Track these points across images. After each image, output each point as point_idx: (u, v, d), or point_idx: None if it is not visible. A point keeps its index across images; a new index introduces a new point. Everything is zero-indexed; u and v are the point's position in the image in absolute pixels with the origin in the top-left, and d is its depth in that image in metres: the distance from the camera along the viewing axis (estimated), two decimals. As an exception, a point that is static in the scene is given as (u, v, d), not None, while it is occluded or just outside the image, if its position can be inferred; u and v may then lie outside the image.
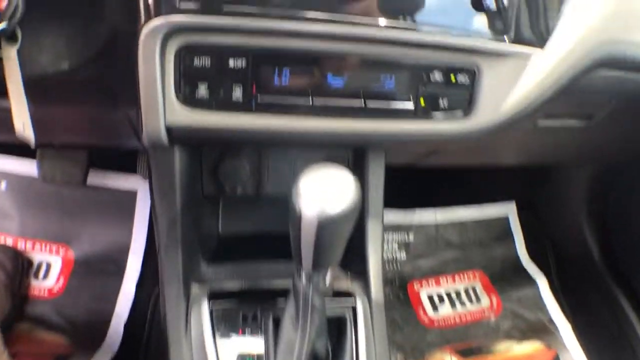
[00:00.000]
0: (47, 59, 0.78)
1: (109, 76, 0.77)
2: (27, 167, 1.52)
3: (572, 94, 0.93)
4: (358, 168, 0.96)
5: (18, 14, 0.67)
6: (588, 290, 1.67)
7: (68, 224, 1.53)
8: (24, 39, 0.71)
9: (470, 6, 0.73)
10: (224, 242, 1.08)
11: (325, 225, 0.62)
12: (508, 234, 1.80)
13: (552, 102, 0.91)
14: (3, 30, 0.66)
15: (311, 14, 0.68)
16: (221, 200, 1.08)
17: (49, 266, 1.51)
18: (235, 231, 1.09)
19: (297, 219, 0.63)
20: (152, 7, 0.66)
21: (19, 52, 0.72)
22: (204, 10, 0.66)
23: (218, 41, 0.71)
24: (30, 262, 1.51)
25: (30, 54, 0.73)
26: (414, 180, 1.63)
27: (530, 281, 1.71)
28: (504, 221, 1.80)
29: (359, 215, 0.66)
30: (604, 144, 1.33)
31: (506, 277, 1.72)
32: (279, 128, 0.76)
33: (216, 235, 1.09)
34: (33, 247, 1.52)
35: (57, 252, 1.53)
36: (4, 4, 0.67)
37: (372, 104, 0.77)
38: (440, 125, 0.81)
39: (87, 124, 0.95)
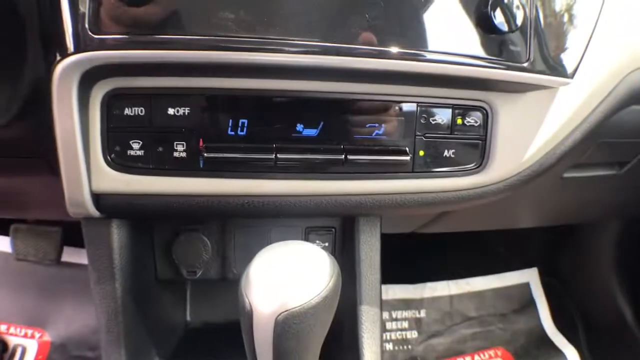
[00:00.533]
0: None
1: (38, 136, 0.61)
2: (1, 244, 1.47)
3: (603, 136, 0.77)
4: (348, 239, 0.77)
5: None
6: (623, 360, 1.46)
7: (44, 305, 1.48)
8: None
9: (477, 28, 0.56)
10: (191, 334, 0.88)
11: (287, 325, 0.43)
12: (531, 303, 1.61)
13: (581, 147, 0.74)
14: None
15: (275, 41, 0.51)
16: (188, 285, 0.89)
17: (24, 350, 1.47)
18: (203, 321, 0.89)
19: (248, 316, 0.45)
20: (65, 40, 0.50)
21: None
22: (130, 42, 0.50)
23: (153, 84, 0.55)
24: (5, 346, 1.46)
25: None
26: (421, 247, 1.45)
27: (559, 354, 1.53)
28: (526, 289, 1.61)
29: (351, 301, 0.47)
30: (636, 194, 1.15)
31: (532, 352, 1.53)
32: (235, 193, 0.58)
33: (180, 326, 0.89)
34: (8, 330, 1.47)
35: (33, 336, 1.48)
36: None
37: (356, 158, 0.59)
38: (446, 182, 0.64)
39: (47, 195, 0.78)
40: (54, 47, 0.51)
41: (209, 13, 0.49)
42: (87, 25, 0.49)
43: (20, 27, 0.55)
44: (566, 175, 0.89)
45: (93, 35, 0.49)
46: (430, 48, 0.54)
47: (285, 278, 0.44)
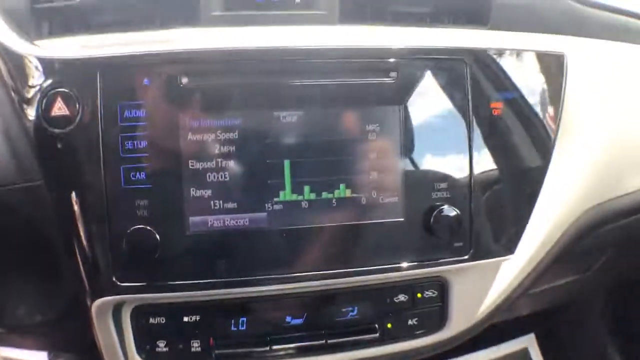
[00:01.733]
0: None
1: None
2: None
3: (560, 264, 0.90)
4: None
5: None
6: None
7: None
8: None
9: (423, 230, 0.71)
10: None
11: None
12: (533, 369, 1.67)
13: (538, 281, 0.87)
14: None
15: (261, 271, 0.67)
16: None
17: None
18: None
19: None
20: (95, 289, 0.66)
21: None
22: (147, 288, 0.66)
23: (170, 300, 0.70)
24: None
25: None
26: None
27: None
28: (525, 356, 1.67)
29: None
30: (609, 281, 1.26)
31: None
32: None
33: None
34: None
35: None
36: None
37: (335, 339, 0.74)
38: (410, 343, 0.78)
39: None
40: (88, 289, 0.67)
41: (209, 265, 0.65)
42: (114, 278, 0.65)
43: (56, 265, 0.71)
44: (531, 291, 1.01)
45: (119, 284, 0.65)
46: (383, 262, 0.69)
47: None
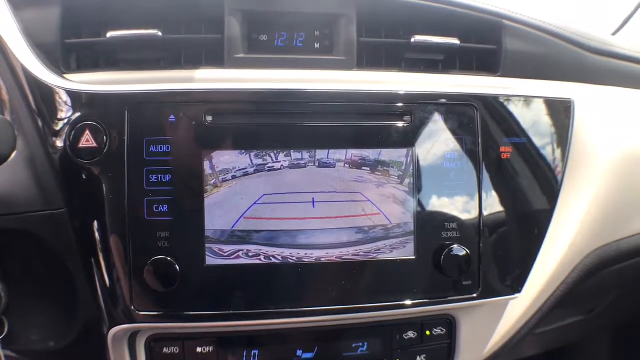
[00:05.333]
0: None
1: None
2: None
3: (565, 305, 0.91)
4: None
5: (2, 304, 0.70)
6: None
7: None
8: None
9: (434, 269, 0.72)
10: None
11: None
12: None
13: (543, 320, 0.88)
14: None
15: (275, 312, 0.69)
16: None
17: None
18: None
19: None
20: (113, 317, 0.68)
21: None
22: (165, 317, 0.67)
23: (185, 330, 0.72)
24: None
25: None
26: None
27: None
28: None
29: None
30: (615, 322, 1.26)
31: None
32: None
33: None
34: None
35: None
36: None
37: (344, 377, 0.75)
38: (419, 379, 0.79)
39: None
40: (106, 316, 0.68)
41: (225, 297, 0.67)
42: (132, 306, 0.67)
43: (72, 291, 0.72)
44: (537, 331, 1.02)
45: (138, 312, 0.67)
46: (394, 299, 0.71)
47: None
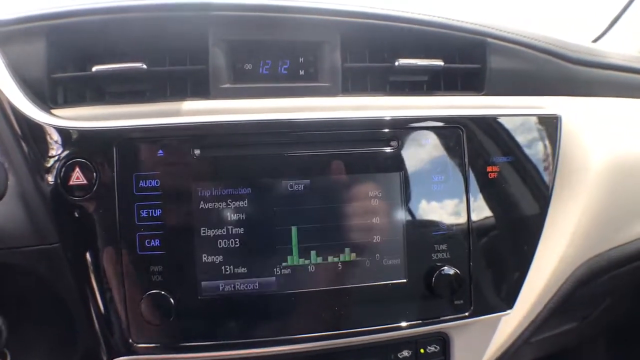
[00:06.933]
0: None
1: None
2: None
3: (559, 314, 0.92)
4: None
5: (3, 338, 0.71)
6: None
7: None
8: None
9: (425, 290, 0.73)
10: None
11: None
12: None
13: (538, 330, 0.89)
14: None
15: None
16: None
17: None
18: None
19: None
20: (111, 349, 0.69)
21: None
22: (162, 349, 0.68)
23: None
24: None
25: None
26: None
27: None
28: None
29: None
30: (607, 326, 1.27)
31: None
32: None
33: None
34: None
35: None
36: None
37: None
38: (415, 395, 0.80)
39: None
40: (105, 349, 0.69)
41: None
42: (130, 340, 0.67)
43: (70, 324, 0.72)
44: (532, 340, 1.03)
45: (135, 344, 0.68)
46: (388, 321, 0.73)
47: None
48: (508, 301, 0.78)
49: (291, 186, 0.70)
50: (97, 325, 0.69)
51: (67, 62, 0.75)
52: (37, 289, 0.73)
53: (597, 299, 1.08)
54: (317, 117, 0.71)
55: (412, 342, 0.78)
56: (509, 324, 0.83)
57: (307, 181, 0.70)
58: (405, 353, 0.78)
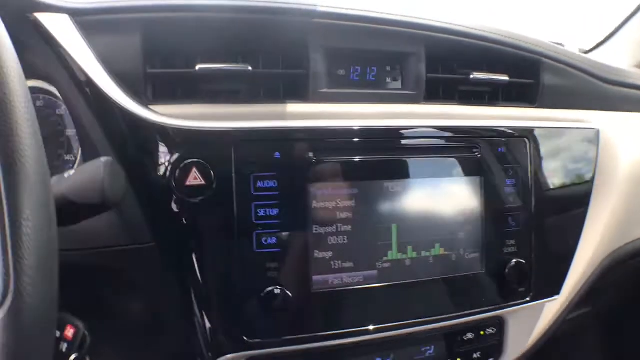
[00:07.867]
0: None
1: None
2: None
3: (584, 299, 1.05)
4: None
5: (87, 344, 0.71)
6: None
7: None
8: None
9: (499, 279, 0.84)
10: None
11: None
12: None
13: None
14: None
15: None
16: None
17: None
18: None
19: None
20: (222, 347, 0.71)
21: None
22: (275, 343, 0.72)
23: (288, 352, 0.74)
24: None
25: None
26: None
27: None
28: None
29: None
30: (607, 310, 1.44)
31: None
32: None
33: None
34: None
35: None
36: (71, 333, 0.71)
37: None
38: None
39: None
40: (211, 346, 0.71)
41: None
42: (244, 337, 0.71)
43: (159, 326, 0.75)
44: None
45: (248, 340, 0.71)
46: (468, 308, 0.83)
47: None
48: (557, 287, 0.91)
49: (392, 187, 0.76)
50: (207, 324, 0.70)
51: (161, 58, 0.74)
52: (122, 293, 0.74)
53: (616, 286, 1.24)
54: (418, 124, 0.79)
55: (475, 326, 0.88)
56: (551, 308, 0.95)
57: (405, 183, 0.77)
58: (470, 335, 0.88)
